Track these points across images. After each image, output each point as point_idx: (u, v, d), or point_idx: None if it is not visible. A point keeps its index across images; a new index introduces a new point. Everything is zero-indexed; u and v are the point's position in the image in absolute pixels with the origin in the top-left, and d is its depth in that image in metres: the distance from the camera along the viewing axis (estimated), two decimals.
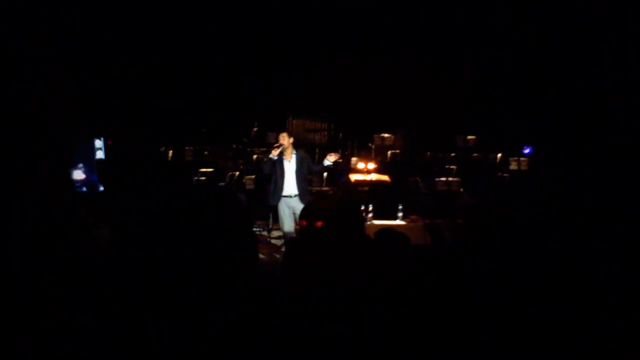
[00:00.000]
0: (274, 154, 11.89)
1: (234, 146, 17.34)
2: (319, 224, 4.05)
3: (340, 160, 17.46)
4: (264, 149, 16.65)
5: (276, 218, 12.35)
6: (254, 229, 12.55)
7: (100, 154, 14.86)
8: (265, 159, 13.24)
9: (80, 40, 14.83)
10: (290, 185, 11.90)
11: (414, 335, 3.66)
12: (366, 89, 18.19)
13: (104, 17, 15.52)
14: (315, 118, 19.50)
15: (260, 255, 11.71)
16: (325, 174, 15.58)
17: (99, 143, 14.91)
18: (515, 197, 15.46)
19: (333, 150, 14.16)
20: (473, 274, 4.23)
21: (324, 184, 15.79)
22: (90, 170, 14.70)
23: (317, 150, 16.99)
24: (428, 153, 17.60)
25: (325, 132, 19.43)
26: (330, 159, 12.06)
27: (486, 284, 4.11)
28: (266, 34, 17.98)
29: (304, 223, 4.23)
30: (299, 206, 11.48)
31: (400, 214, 12.98)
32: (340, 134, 18.67)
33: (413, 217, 13.18)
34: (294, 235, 11.46)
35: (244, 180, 15.96)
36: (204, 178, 16.13)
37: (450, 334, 3.72)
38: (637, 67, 15.04)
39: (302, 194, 11.81)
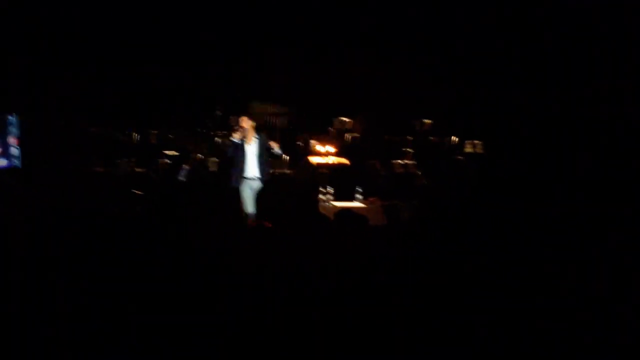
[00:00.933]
0: (236, 137, 11.90)
1: (198, 130, 17.26)
2: (268, 224, 4.04)
3: (302, 145, 17.44)
4: (227, 132, 16.57)
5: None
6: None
7: (13, 131, 14.65)
8: (227, 142, 13.20)
9: (37, 21, 14.64)
10: (252, 168, 11.95)
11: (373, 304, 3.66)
12: (326, 74, 18.13)
13: None
14: (277, 102, 19.43)
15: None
16: (287, 158, 15.54)
17: (11, 119, 14.67)
18: (470, 178, 15.54)
19: (295, 133, 14.15)
20: (430, 253, 4.24)
21: (285, 167, 15.75)
22: (4, 146, 14.53)
23: (278, 134, 16.92)
24: (386, 137, 17.60)
25: (286, 116, 19.36)
26: (274, 147, 12.12)
27: (442, 263, 4.12)
28: (227, 19, 17.84)
29: (254, 224, 4.20)
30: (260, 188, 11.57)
31: (359, 196, 12.98)
32: (301, 118, 18.61)
33: (371, 198, 13.20)
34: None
35: (207, 163, 15.91)
36: (168, 161, 16.08)
37: (403, 304, 3.72)
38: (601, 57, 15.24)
39: (264, 176, 11.85)
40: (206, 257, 4.06)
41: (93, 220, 4.83)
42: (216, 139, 17.03)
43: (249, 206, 11.67)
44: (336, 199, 12.81)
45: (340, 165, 15.17)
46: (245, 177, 11.88)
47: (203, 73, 17.89)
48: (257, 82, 18.63)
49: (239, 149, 11.93)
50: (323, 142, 16.65)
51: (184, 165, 15.43)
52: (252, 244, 4.10)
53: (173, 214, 4.60)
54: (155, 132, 17.16)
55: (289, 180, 14.73)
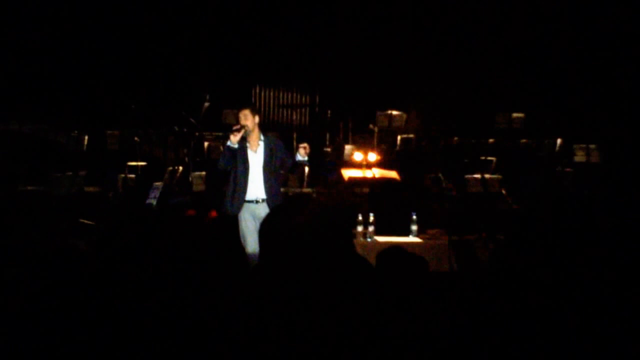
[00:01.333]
0: (234, 140, 11.82)
1: (176, 129, 17.26)
2: (214, 213, 4.03)
3: (331, 151, 17.42)
4: (220, 133, 16.58)
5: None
6: None
7: None
8: (221, 148, 13.18)
9: None
10: (256, 186, 11.85)
11: None
12: (365, 46, 18.12)
13: None
14: (293, 89, 19.46)
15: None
16: (306, 170, 15.52)
17: None
18: (581, 201, 15.45)
19: (315, 136, 14.12)
20: (520, 312, 4.17)
21: (304, 184, 15.73)
22: None
23: (294, 135, 16.92)
24: (455, 138, 17.56)
25: (307, 109, 19.38)
26: (301, 153, 12.01)
27: (538, 325, 4.06)
28: None
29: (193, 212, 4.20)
30: None
31: (414, 227, 12.94)
32: (329, 112, 18.62)
33: (433, 231, 13.15)
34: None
35: (190, 179, 15.89)
36: (133, 175, 16.07)
37: None
38: None
39: (273, 199, 11.74)
40: (184, 323, 4.01)
41: (18, 262, 4.81)
42: (204, 143, 17.04)
43: (250, 243, 11.58)
44: (380, 232, 12.77)
45: (386, 181, 15.12)
46: (246, 200, 11.83)
47: (183, 45, 17.92)
48: (264, 58, 18.66)
49: (238, 158, 11.87)
50: (362, 146, 16.60)
51: (155, 183, 15.42)
52: (256, 301, 4.03)
53: (138, 255, 4.55)
54: (115, 133, 17.18)
55: (310, 204, 14.70)
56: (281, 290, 3.78)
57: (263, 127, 12.41)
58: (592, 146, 16.81)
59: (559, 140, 17.21)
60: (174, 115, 17.40)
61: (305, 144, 12.05)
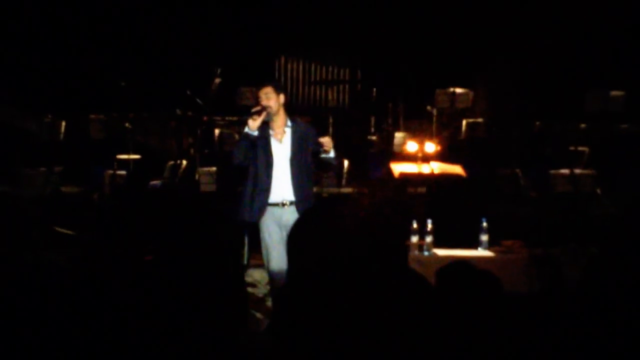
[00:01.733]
0: (253, 126, 11.84)
1: (179, 113, 17.32)
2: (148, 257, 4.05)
3: (377, 140, 17.47)
4: (234, 117, 16.64)
5: (256, 246, 12.32)
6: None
7: None
8: (236, 137, 13.21)
9: None
10: (282, 185, 11.84)
11: None
12: (421, 5, 18.16)
13: None
14: (328, 60, 19.50)
15: None
16: (346, 164, 15.55)
17: None
18: None
19: (356, 121, 14.12)
20: (620, 346, 4.19)
21: (343, 182, 15.76)
22: None
23: (330, 120, 16.94)
24: (537, 123, 17.55)
25: (346, 86, 19.40)
26: (326, 149, 11.95)
27: None
28: None
29: (149, 258, 4.21)
30: None
31: (484, 237, 12.95)
32: (374, 90, 18.64)
33: (508, 242, 13.16)
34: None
35: (196, 176, 15.94)
36: (123, 172, 16.13)
37: None
38: None
39: (304, 201, 11.73)
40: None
41: None
42: (214, 129, 17.10)
43: (274, 259, 11.59)
44: (441, 244, 12.81)
45: (448, 178, 15.17)
46: (269, 204, 11.84)
47: (187, 4, 18.01)
48: (291, 22, 18.73)
49: (259, 149, 11.88)
50: (417, 134, 16.64)
51: (152, 181, 15.51)
52: (281, 333, 4.06)
53: (129, 273, 4.57)
54: (100, 118, 17.23)
55: (350, 208, 14.71)
56: (315, 319, 3.78)
57: (290, 110, 12.41)
58: None
59: None
60: (176, 94, 17.46)
61: (326, 138, 11.98)
